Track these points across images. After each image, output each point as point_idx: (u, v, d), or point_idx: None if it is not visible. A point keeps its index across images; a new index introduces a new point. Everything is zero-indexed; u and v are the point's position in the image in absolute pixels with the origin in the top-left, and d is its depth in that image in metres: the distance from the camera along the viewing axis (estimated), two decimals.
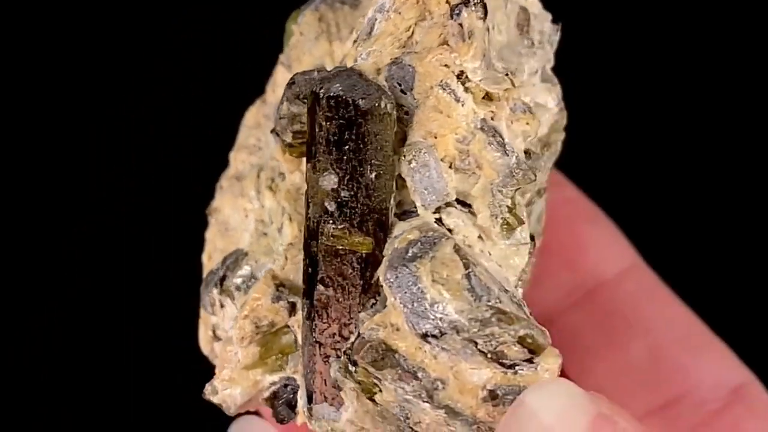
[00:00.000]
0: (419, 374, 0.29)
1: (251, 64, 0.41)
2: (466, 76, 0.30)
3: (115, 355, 0.49)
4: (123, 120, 0.48)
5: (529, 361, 0.29)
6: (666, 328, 0.36)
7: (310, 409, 0.31)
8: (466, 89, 0.31)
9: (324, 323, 0.31)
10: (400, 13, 0.31)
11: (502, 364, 0.29)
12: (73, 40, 0.53)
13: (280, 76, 0.36)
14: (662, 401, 0.35)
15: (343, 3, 0.36)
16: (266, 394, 0.32)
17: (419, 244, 0.30)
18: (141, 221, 0.41)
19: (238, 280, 0.34)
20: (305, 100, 0.31)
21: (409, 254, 0.29)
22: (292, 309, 0.32)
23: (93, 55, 0.51)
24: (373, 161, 0.30)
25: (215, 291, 0.34)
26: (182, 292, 0.39)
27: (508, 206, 0.31)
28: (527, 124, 0.31)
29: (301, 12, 0.35)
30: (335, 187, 0.30)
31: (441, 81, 0.30)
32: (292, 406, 0.32)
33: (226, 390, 0.32)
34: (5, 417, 0.54)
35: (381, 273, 0.29)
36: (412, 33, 0.31)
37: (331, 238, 0.30)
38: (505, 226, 0.31)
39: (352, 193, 0.30)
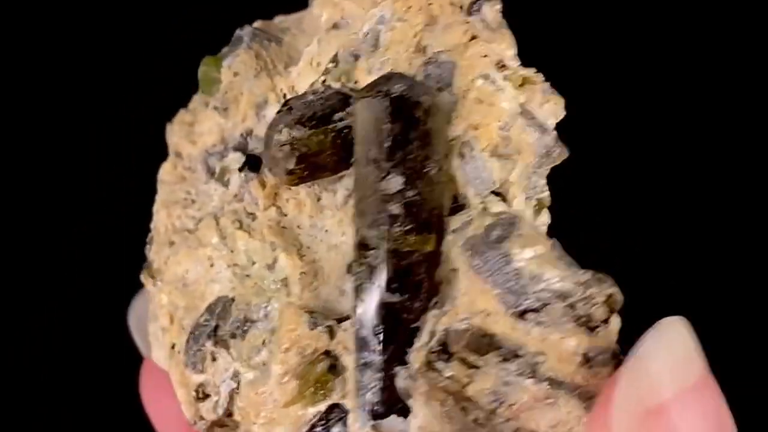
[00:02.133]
0: (520, 352, 0.29)
1: None
2: (504, 65, 0.32)
3: (115, 354, 0.49)
4: (123, 120, 0.48)
5: (605, 321, 0.30)
6: None
7: (376, 426, 0.30)
8: (505, 77, 0.32)
9: (390, 331, 0.30)
10: (406, 20, 0.32)
11: (589, 328, 0.30)
12: (74, 41, 0.52)
13: (209, 123, 0.36)
14: None
15: (269, 41, 0.36)
16: (305, 429, 0.32)
17: (499, 227, 0.30)
18: (141, 221, 0.41)
19: (233, 327, 0.33)
20: (307, 123, 0.31)
21: (493, 237, 0.30)
22: (330, 333, 0.32)
23: (93, 55, 0.51)
24: (434, 158, 0.30)
25: (209, 343, 0.33)
26: None
27: (541, 187, 0.32)
28: (555, 104, 0.32)
29: (224, 56, 0.36)
30: (401, 188, 0.30)
31: (482, 72, 0.31)
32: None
33: None
34: (5, 417, 0.54)
35: (461, 263, 0.30)
36: (420, 38, 0.32)
37: (399, 242, 0.30)
38: (536, 207, 0.32)
39: (417, 192, 0.30)
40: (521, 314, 0.30)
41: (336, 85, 0.33)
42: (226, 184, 0.35)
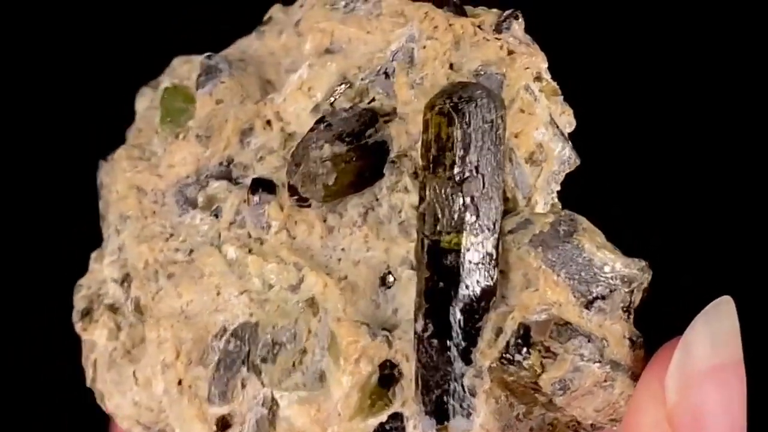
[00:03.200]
0: (592, 337, 0.31)
1: None
2: (540, 77, 0.34)
3: None
4: (123, 120, 0.48)
5: (637, 307, 0.33)
6: None
7: (441, 430, 0.31)
8: (540, 89, 0.34)
9: (462, 332, 0.31)
10: (436, 39, 0.34)
11: (627, 313, 0.32)
12: (74, 41, 0.52)
13: (182, 153, 0.35)
14: None
15: (243, 69, 0.37)
16: None
17: (563, 223, 0.32)
18: None
19: (263, 351, 0.33)
20: (346, 139, 0.33)
21: (561, 233, 0.32)
22: (388, 342, 0.33)
23: (93, 56, 0.51)
24: (502, 161, 0.32)
25: (243, 369, 0.33)
26: None
27: (553, 192, 0.34)
28: (569, 114, 0.34)
29: (200, 86, 0.36)
30: (479, 190, 0.31)
31: (525, 83, 0.33)
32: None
33: None
34: (5, 417, 0.54)
35: (531, 260, 0.31)
36: (449, 56, 0.34)
37: (474, 244, 0.31)
38: (550, 210, 0.34)
39: (490, 195, 0.31)
40: (588, 304, 0.32)
41: (346, 104, 0.34)
42: (215, 213, 0.35)
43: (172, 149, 0.36)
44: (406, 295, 0.33)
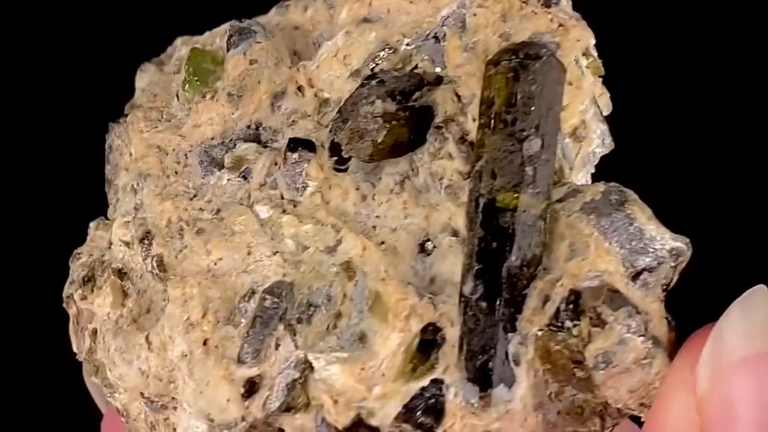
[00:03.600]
0: (639, 309, 0.31)
1: None
2: (587, 52, 0.34)
3: None
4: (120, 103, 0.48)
5: (672, 286, 0.32)
6: None
7: (484, 397, 0.30)
8: (587, 65, 0.34)
9: (508, 296, 0.31)
10: (486, 7, 0.34)
11: (665, 293, 0.32)
12: (74, 41, 0.52)
13: (209, 114, 0.35)
14: None
15: (274, 36, 0.37)
16: (396, 411, 0.31)
17: (613, 193, 0.32)
18: None
19: (299, 311, 0.32)
20: (397, 98, 0.33)
21: (613, 201, 0.32)
22: (433, 305, 0.32)
23: (93, 56, 0.51)
24: (559, 125, 0.32)
25: (281, 327, 0.32)
26: None
27: (589, 172, 0.34)
28: (606, 96, 0.35)
29: (233, 46, 0.35)
30: (538, 150, 0.31)
31: (576, 56, 0.33)
32: (437, 410, 0.31)
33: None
34: (5, 417, 0.54)
35: (584, 227, 0.31)
36: (497, 26, 0.34)
37: (531, 205, 0.31)
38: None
39: (548, 156, 0.31)
40: (636, 275, 0.31)
41: (386, 69, 0.34)
42: (243, 174, 0.34)
43: (199, 109, 0.35)
44: (444, 263, 0.33)
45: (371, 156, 0.33)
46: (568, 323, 0.31)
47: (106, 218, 0.38)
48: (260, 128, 0.35)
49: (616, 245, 0.31)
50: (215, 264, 0.33)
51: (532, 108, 0.31)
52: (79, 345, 0.36)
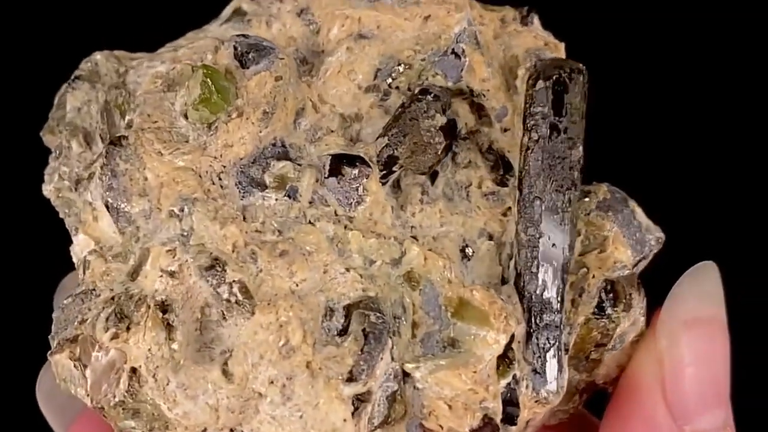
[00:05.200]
0: (642, 293, 0.36)
1: None
2: None
3: None
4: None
5: None
6: None
7: (550, 387, 0.34)
8: None
9: (563, 289, 0.34)
10: (486, 25, 0.37)
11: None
12: (74, 41, 0.52)
13: (240, 133, 0.34)
14: None
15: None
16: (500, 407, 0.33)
17: (615, 191, 0.36)
18: None
19: (394, 325, 0.33)
20: (447, 112, 0.35)
21: (618, 199, 0.36)
22: (512, 306, 0.34)
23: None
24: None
25: (389, 342, 0.32)
26: None
27: None
28: None
29: (252, 62, 0.34)
30: (581, 156, 0.35)
31: None
32: (515, 403, 0.34)
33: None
34: (5, 417, 0.54)
35: (607, 221, 0.35)
36: (498, 41, 0.37)
37: (575, 207, 0.34)
38: None
39: (583, 164, 0.35)
40: (636, 264, 0.35)
41: (403, 85, 0.36)
42: (289, 193, 0.34)
43: (229, 128, 0.34)
44: (483, 265, 0.35)
45: (430, 168, 0.34)
46: (609, 310, 0.34)
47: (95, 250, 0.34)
48: (285, 146, 0.35)
49: (629, 238, 0.35)
50: (297, 285, 0.33)
51: (577, 118, 0.34)
52: (105, 389, 0.32)
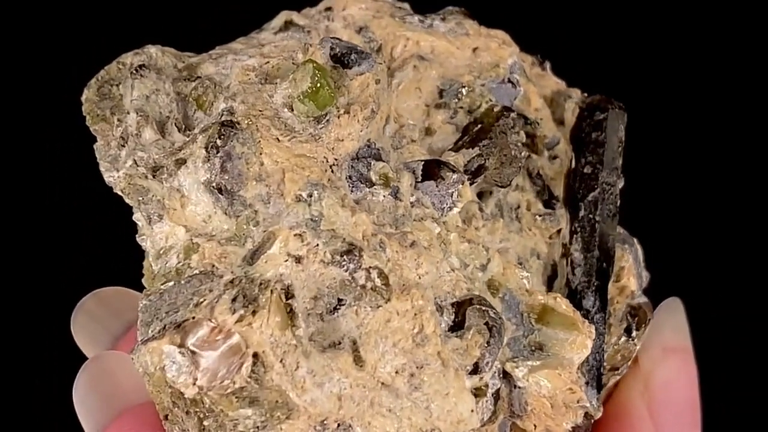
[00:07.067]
0: None
1: None
2: None
3: None
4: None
5: None
6: None
7: (599, 398, 0.36)
8: None
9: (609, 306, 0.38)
10: (525, 61, 0.40)
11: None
12: (75, 41, 0.53)
13: (349, 129, 0.35)
14: None
15: None
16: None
17: (622, 229, 0.40)
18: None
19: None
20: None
21: (627, 235, 0.39)
22: None
23: (94, 56, 0.51)
24: None
25: (504, 338, 0.35)
26: None
27: None
28: None
29: (354, 64, 0.35)
30: (622, 186, 0.38)
31: None
32: (600, 385, 0.36)
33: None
34: (5, 417, 0.54)
35: (626, 253, 0.38)
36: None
37: (616, 234, 0.38)
38: None
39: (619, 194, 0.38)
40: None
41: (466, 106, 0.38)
42: (395, 192, 0.34)
43: (341, 123, 0.34)
44: (535, 282, 0.37)
45: (510, 181, 0.36)
46: (634, 332, 0.38)
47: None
48: (377, 148, 0.35)
49: (636, 272, 0.38)
50: (420, 278, 0.33)
51: (621, 150, 0.38)
52: (223, 375, 0.31)
